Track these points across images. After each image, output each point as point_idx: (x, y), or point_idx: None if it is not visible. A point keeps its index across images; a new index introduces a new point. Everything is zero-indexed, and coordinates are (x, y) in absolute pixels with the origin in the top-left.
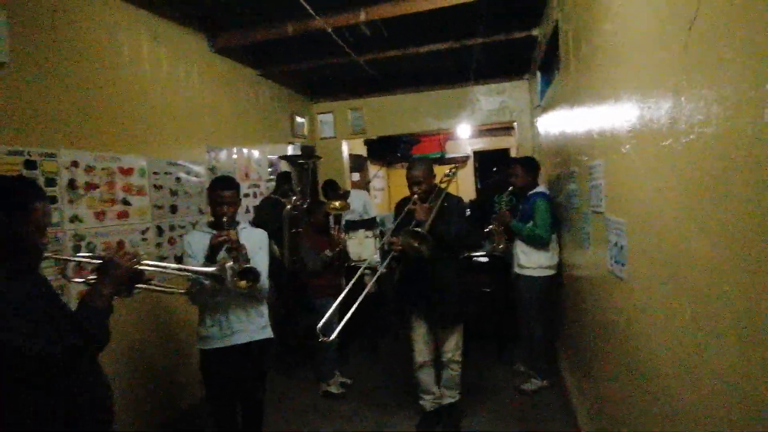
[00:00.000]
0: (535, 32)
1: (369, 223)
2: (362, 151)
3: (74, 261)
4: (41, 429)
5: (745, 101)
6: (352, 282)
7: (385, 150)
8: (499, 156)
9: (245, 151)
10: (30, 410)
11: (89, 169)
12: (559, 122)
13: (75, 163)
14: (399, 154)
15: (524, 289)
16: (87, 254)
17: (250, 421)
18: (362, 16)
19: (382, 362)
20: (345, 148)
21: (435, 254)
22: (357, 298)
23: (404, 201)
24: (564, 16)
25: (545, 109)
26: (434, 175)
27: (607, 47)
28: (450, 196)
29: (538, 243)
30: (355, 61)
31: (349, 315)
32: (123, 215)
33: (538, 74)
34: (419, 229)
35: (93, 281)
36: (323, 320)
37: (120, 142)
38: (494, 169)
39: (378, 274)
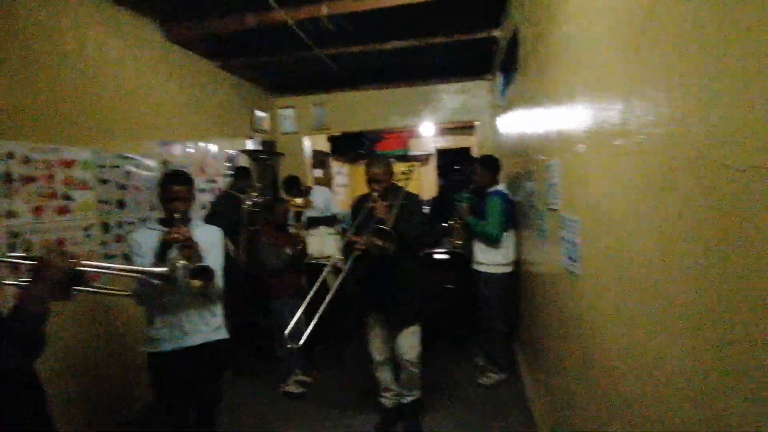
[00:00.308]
0: (496, 33)
1: (330, 220)
2: (325, 147)
3: (5, 262)
4: None
5: (694, 102)
6: (317, 284)
7: (349, 146)
8: (462, 154)
9: (202, 145)
10: None
11: (26, 161)
12: (518, 122)
13: (10, 155)
14: (362, 151)
15: (482, 285)
16: (20, 254)
17: (203, 425)
18: (324, 10)
19: (347, 365)
20: (307, 144)
21: (396, 253)
22: (320, 299)
23: (362, 199)
24: (523, 17)
25: (505, 108)
26: (393, 173)
27: (563, 49)
28: (409, 194)
29: (490, 240)
30: (318, 56)
31: (315, 319)
32: (64, 210)
33: (499, 74)
34: (384, 227)
35: (26, 284)
36: (290, 326)
37: (62, 133)
38: (456, 167)
39: (342, 275)
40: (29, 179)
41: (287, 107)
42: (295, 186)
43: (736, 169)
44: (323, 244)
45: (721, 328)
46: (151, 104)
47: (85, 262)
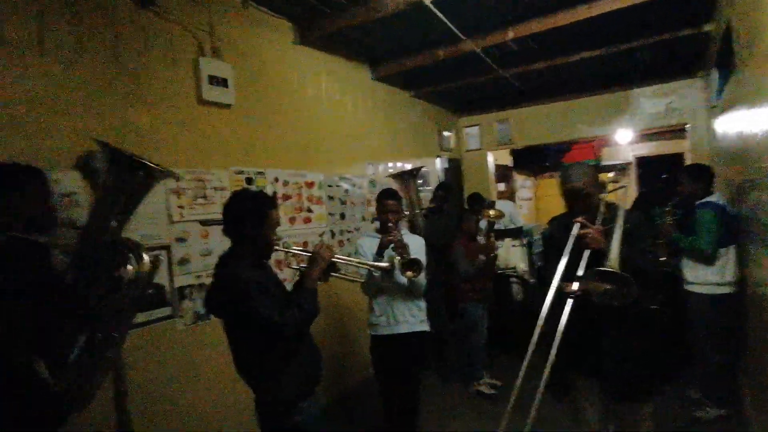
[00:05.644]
0: (707, 28)
1: (515, 232)
2: (508, 161)
3: (292, 252)
4: (284, 374)
5: None
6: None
7: (533, 159)
8: (668, 162)
9: (399, 164)
10: (276, 362)
11: (285, 183)
12: (737, 124)
13: (276, 179)
14: (547, 164)
15: (693, 307)
16: (301, 248)
17: (409, 399)
18: (510, 35)
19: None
20: (490, 159)
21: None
22: (504, 305)
23: (560, 221)
24: (736, 14)
25: (722, 109)
26: (600, 186)
27: None
28: (629, 213)
29: (700, 257)
30: (502, 75)
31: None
32: (307, 221)
33: (715, 71)
34: (611, 269)
35: (304, 268)
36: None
37: (304, 161)
38: (663, 176)
39: (560, 332)
40: (287, 197)
41: (472, 125)
42: (478, 202)
43: None
44: (508, 254)
45: None
46: (360, 132)
47: (337, 255)
